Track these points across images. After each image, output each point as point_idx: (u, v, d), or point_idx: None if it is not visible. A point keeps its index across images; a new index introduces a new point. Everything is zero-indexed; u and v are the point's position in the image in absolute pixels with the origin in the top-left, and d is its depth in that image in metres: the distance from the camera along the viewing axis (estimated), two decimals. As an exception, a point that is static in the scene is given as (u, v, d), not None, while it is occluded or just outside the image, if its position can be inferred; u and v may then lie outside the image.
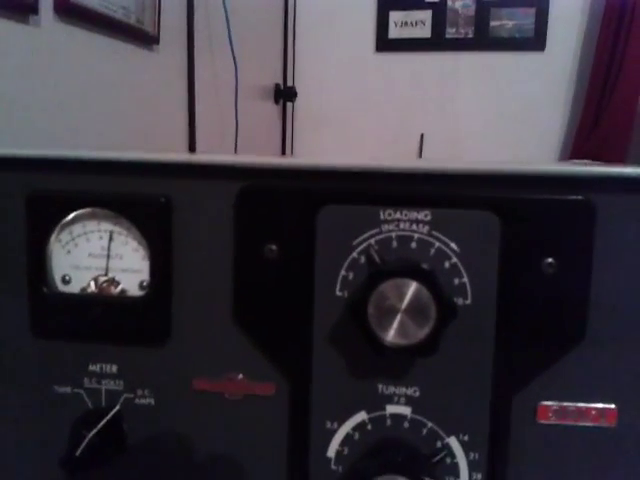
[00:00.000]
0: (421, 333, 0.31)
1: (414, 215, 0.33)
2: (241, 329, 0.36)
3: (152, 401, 0.38)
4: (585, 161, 2.24)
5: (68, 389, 0.39)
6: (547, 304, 0.32)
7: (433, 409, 0.34)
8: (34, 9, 1.03)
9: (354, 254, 0.34)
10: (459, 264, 0.33)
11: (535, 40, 2.57)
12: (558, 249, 0.32)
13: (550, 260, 0.32)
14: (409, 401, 0.34)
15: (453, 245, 0.33)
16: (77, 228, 0.37)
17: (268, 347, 0.35)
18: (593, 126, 2.49)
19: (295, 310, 0.35)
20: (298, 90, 2.70)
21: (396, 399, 0.34)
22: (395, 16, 2.69)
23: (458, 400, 0.34)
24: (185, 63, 1.63)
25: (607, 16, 2.41)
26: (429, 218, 0.33)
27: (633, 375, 0.33)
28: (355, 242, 0.34)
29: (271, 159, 0.34)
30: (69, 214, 0.37)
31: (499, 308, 0.33)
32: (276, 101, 2.55)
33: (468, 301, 0.33)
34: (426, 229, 0.33)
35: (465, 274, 0.33)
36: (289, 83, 2.66)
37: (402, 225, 0.33)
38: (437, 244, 0.33)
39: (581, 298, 0.32)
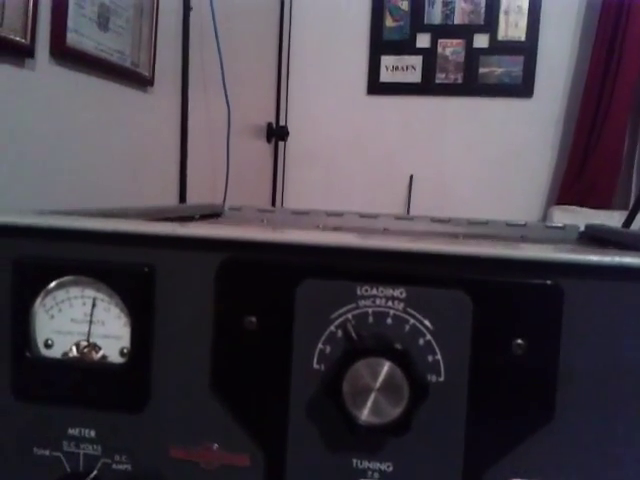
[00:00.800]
0: (394, 412, 0.32)
1: (390, 292, 0.34)
2: (218, 399, 0.36)
3: (129, 467, 0.38)
4: (572, 207, 2.26)
5: (47, 452, 0.39)
6: (517, 383, 0.33)
7: (406, 484, 0.35)
8: (30, 53, 1.05)
9: (331, 328, 0.35)
10: (433, 341, 0.34)
11: (523, 87, 2.64)
12: (527, 330, 0.33)
13: (519, 341, 0.33)
14: (382, 476, 0.35)
15: (427, 322, 0.34)
16: (61, 294, 0.38)
17: (245, 418, 0.36)
18: (580, 172, 2.54)
19: (272, 382, 0.35)
20: (290, 130, 2.74)
21: (370, 474, 0.35)
22: (386, 60, 2.75)
23: (430, 476, 0.34)
24: (179, 104, 1.65)
25: (594, 65, 2.48)
26: (404, 295, 0.34)
27: (601, 453, 0.34)
28: (332, 316, 0.35)
29: (252, 233, 0.35)
30: (53, 281, 0.37)
31: (471, 386, 0.34)
32: (268, 140, 2.59)
33: (441, 378, 0.34)
34: (401, 306, 0.34)
35: (439, 351, 0.34)
36: (281, 122, 2.70)
37: (378, 301, 0.34)
38: (412, 321, 0.34)
39: (550, 378, 0.33)
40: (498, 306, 0.33)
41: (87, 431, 0.38)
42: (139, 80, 1.43)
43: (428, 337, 0.34)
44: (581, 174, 2.52)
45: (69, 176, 1.19)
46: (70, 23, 1.14)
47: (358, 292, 0.35)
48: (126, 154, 1.39)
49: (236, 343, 0.36)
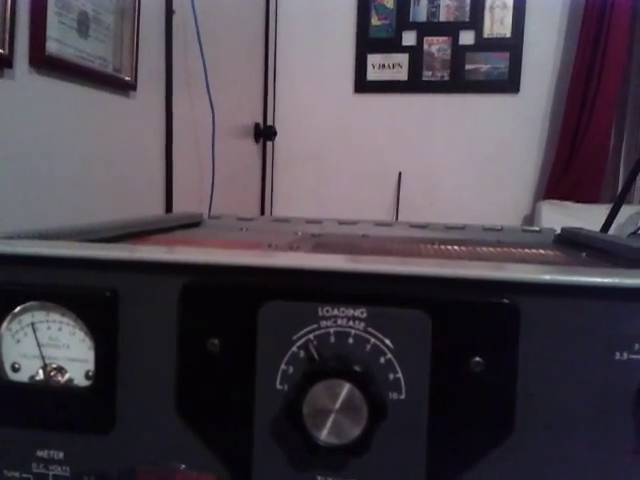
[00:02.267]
0: (354, 432, 0.32)
1: (350, 312, 0.35)
2: (184, 420, 0.36)
3: (98, 488, 0.38)
4: (560, 202, 2.28)
5: (17, 474, 0.39)
6: (476, 399, 0.34)
7: (370, 501, 0.35)
8: (8, 62, 1.05)
9: (294, 348, 0.35)
10: (393, 360, 0.34)
11: (509, 83, 2.65)
12: (485, 348, 0.33)
13: (478, 359, 0.33)
14: (346, 493, 0.35)
15: (388, 341, 0.34)
16: (26, 318, 0.38)
17: (210, 438, 0.36)
18: (567, 167, 2.55)
19: (236, 403, 0.36)
20: (278, 129, 2.73)
21: (334, 491, 0.35)
22: (373, 59, 2.75)
23: (394, 492, 0.35)
24: (163, 108, 1.65)
25: (579, 60, 2.49)
26: (365, 315, 0.35)
27: (561, 466, 0.34)
28: (295, 337, 0.35)
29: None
30: (18, 305, 0.37)
31: (431, 403, 0.34)
32: (256, 140, 2.59)
33: (402, 396, 0.34)
34: (362, 325, 0.35)
35: (399, 370, 0.34)
36: (269, 122, 2.70)
37: (339, 321, 0.35)
38: (372, 340, 0.35)
39: (508, 394, 0.34)
40: (456, 325, 0.34)
41: (56, 453, 0.39)
42: (121, 85, 1.43)
43: (389, 356, 0.34)
44: (568, 169, 2.54)
45: (51, 186, 1.19)
46: (49, 32, 1.14)
47: (319, 313, 0.35)
48: (110, 161, 1.39)
49: (200, 365, 0.36)
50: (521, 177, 2.68)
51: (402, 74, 2.73)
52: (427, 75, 2.71)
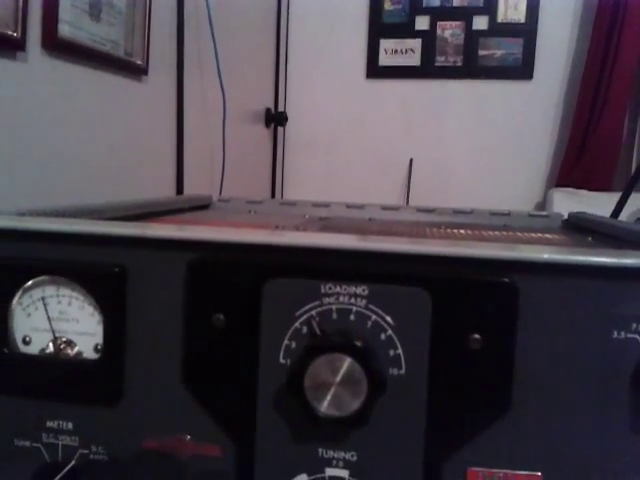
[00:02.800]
0: (353, 405, 0.33)
1: (352, 289, 0.35)
2: (190, 393, 0.37)
3: (106, 457, 0.39)
4: (572, 189, 2.26)
5: (27, 443, 0.41)
6: (474, 376, 0.34)
7: (369, 473, 0.36)
8: (21, 45, 1.06)
9: (297, 324, 0.36)
10: (394, 336, 0.35)
11: (523, 69, 2.62)
12: (484, 326, 0.34)
13: (476, 336, 0.34)
14: (347, 465, 0.36)
15: (388, 318, 0.35)
16: (37, 292, 0.39)
17: (215, 411, 0.37)
18: (580, 154, 2.53)
19: (241, 376, 0.37)
20: (289, 115, 2.73)
21: (335, 463, 0.36)
22: (385, 44, 2.73)
23: (392, 464, 0.36)
24: (174, 92, 1.66)
25: (594, 46, 2.46)
26: (366, 293, 0.35)
27: (557, 444, 0.35)
28: (298, 313, 0.36)
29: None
30: (30, 280, 0.39)
31: (430, 379, 0.35)
32: (267, 125, 2.59)
33: (402, 371, 0.35)
34: (364, 303, 0.35)
35: (399, 346, 0.35)
36: (280, 108, 2.70)
37: (341, 298, 0.36)
38: (374, 317, 0.35)
39: (506, 372, 0.34)
40: (456, 303, 0.34)
41: (65, 423, 0.40)
42: (133, 69, 1.43)
43: (389, 332, 0.35)
44: (581, 156, 2.52)
45: (65, 168, 1.20)
46: (61, 15, 1.15)
47: (322, 290, 0.36)
48: (121, 144, 1.40)
49: (205, 340, 0.37)
50: (533, 164, 2.67)
51: (415, 59, 2.72)
52: (440, 60, 2.69)
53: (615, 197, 2.30)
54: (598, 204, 2.21)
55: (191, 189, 1.70)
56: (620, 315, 0.33)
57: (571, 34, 2.58)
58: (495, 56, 2.64)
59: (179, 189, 1.66)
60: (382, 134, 2.77)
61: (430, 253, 0.35)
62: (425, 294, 0.35)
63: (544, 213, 0.76)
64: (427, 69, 2.70)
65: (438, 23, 2.67)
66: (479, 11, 2.63)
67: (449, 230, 0.66)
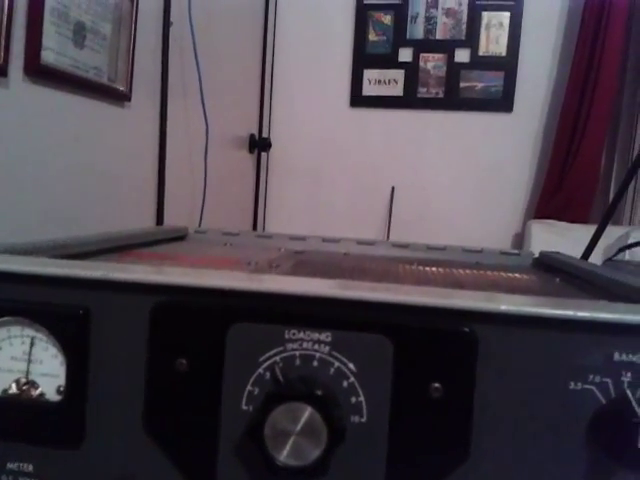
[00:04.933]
0: (313, 455, 0.33)
1: (316, 336, 0.36)
2: (151, 438, 0.37)
3: (66, 501, 0.39)
4: (550, 221, 2.29)
5: (-14, 485, 0.40)
6: (434, 425, 0.35)
7: (330, 521, 0.36)
8: (3, 71, 1.06)
9: (260, 370, 0.36)
10: (356, 384, 0.35)
11: (503, 102, 2.68)
12: (444, 375, 0.34)
13: (437, 385, 0.34)
14: (307, 513, 0.36)
15: (351, 365, 0.35)
16: (2, 332, 0.39)
17: (176, 457, 0.37)
18: (558, 186, 2.58)
19: (203, 423, 0.37)
20: (274, 141, 2.76)
21: (295, 511, 0.36)
22: (369, 74, 2.78)
23: (353, 513, 0.36)
24: (157, 118, 1.66)
25: (572, 81, 2.52)
26: (330, 339, 0.36)
27: (517, 492, 0.35)
28: (261, 359, 0.36)
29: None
30: (-7, 320, 0.38)
31: (391, 427, 0.35)
32: (251, 151, 2.60)
33: (363, 419, 0.35)
34: (327, 349, 0.36)
35: (361, 393, 0.35)
36: (265, 134, 2.72)
37: (305, 344, 0.36)
38: (337, 364, 0.36)
39: (465, 420, 0.34)
40: (417, 351, 0.35)
41: (25, 465, 0.39)
42: (116, 95, 1.44)
43: (352, 379, 0.35)
44: (559, 188, 2.56)
45: (43, 196, 1.19)
46: (45, 42, 1.15)
47: (286, 336, 0.36)
48: (102, 170, 1.40)
49: (168, 384, 0.37)
50: (513, 195, 2.71)
51: (397, 90, 2.76)
52: (422, 91, 2.74)
53: (593, 229, 2.34)
54: (575, 236, 2.24)
55: (172, 216, 1.70)
56: (577, 366, 0.34)
57: (551, 68, 2.64)
58: (476, 88, 2.69)
59: (159, 217, 1.66)
60: (365, 162, 2.80)
61: (392, 301, 0.35)
62: (387, 342, 0.35)
63: (515, 251, 0.78)
64: (409, 100, 2.75)
65: (421, 55, 2.73)
66: (461, 44, 2.69)
67: (421, 267, 0.67)
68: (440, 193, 2.74)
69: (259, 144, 2.63)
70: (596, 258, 1.23)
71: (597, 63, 2.47)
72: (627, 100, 2.53)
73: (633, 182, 2.49)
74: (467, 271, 0.65)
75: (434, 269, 0.66)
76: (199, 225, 1.85)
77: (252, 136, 2.60)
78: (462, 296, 0.36)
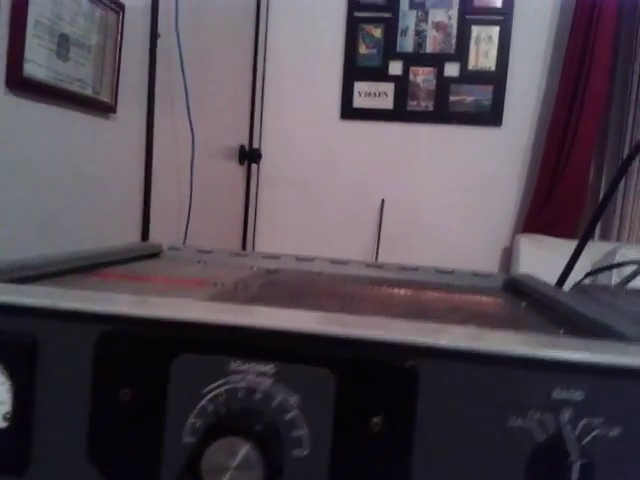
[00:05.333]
0: (249, 490, 0.33)
1: (260, 368, 0.36)
2: (95, 467, 0.37)
3: (10, 530, 0.39)
4: (538, 235, 2.29)
5: None
6: (375, 458, 0.35)
7: None
8: (-16, 85, 1.06)
9: (203, 402, 0.36)
10: (299, 416, 0.35)
11: (492, 115, 2.69)
12: (385, 409, 0.34)
13: (377, 419, 0.34)
14: None
15: (294, 398, 0.35)
16: (-52, 359, 0.39)
17: (119, 487, 0.37)
18: (546, 201, 2.59)
19: (146, 453, 0.36)
20: (264, 152, 2.76)
21: None
22: (359, 86, 2.79)
23: None
24: (144, 129, 1.67)
25: (561, 95, 2.54)
26: (273, 371, 0.36)
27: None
28: (204, 390, 0.36)
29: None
30: (-61, 347, 0.38)
31: (332, 461, 0.35)
32: (241, 162, 2.61)
33: (305, 452, 0.35)
34: (270, 382, 0.36)
35: (304, 426, 0.35)
36: (255, 145, 2.72)
37: (249, 377, 0.36)
38: (280, 396, 0.36)
39: (405, 454, 0.35)
40: (359, 384, 0.35)
41: (-30, 493, 0.39)
42: (100, 107, 1.44)
43: (294, 412, 0.35)
44: (547, 203, 2.57)
45: (26, 210, 1.19)
46: (27, 54, 1.16)
47: (230, 367, 0.36)
48: (87, 184, 1.40)
49: (112, 414, 0.37)
50: (502, 209, 2.72)
51: (387, 103, 2.78)
52: (412, 105, 2.76)
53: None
54: (563, 251, 2.25)
55: (159, 228, 1.70)
56: (517, 403, 0.34)
57: (540, 82, 2.66)
58: (465, 102, 2.71)
59: (145, 229, 1.66)
60: (355, 174, 2.81)
61: (334, 334, 0.35)
62: (330, 375, 0.35)
63: (486, 273, 0.78)
64: (399, 113, 2.76)
65: (411, 68, 2.74)
66: (451, 58, 2.71)
67: (390, 289, 0.67)
68: (430, 206, 2.75)
69: (249, 155, 2.64)
70: (581, 274, 1.23)
71: (585, 78, 2.48)
72: (615, 115, 2.55)
73: (621, 197, 2.51)
74: (435, 293, 0.66)
75: (402, 291, 0.66)
76: (184, 240, 1.85)
77: (242, 147, 2.60)
78: (405, 329, 0.36)
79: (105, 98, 1.45)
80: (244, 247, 2.70)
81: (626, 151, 2.50)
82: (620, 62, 2.53)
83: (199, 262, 0.81)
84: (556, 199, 2.55)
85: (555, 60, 2.62)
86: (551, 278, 0.75)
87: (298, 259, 0.82)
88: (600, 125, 2.53)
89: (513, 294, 0.69)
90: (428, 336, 0.35)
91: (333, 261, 0.82)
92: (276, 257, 0.82)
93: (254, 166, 2.73)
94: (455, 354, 0.34)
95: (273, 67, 2.80)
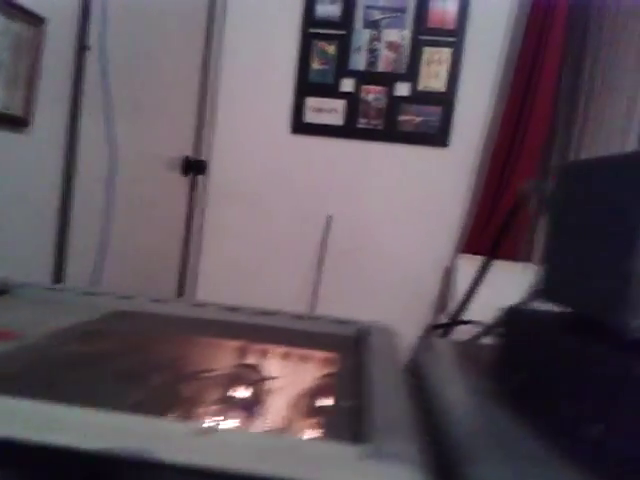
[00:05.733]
0: None
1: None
2: None
3: None
4: (476, 257, 2.30)
5: None
6: None
7: None
8: None
9: None
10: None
11: (440, 136, 2.70)
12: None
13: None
14: None
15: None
16: None
17: None
18: (487, 222, 2.60)
19: None
20: (213, 164, 2.74)
21: None
22: (311, 102, 2.78)
23: None
24: (64, 142, 1.63)
25: (506, 119, 2.56)
26: None
27: None
28: None
29: None
30: None
31: None
32: (184, 173, 2.58)
33: None
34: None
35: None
36: (204, 157, 2.70)
37: None
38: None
39: None
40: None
41: None
42: (10, 122, 1.41)
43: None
44: (488, 224, 2.58)
45: None
46: None
47: None
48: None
49: None
50: (446, 228, 2.72)
51: (338, 119, 2.77)
52: (362, 122, 2.75)
53: (518, 266, 2.36)
54: (501, 274, 2.27)
55: (77, 254, 1.66)
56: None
57: (488, 105, 2.68)
58: (414, 122, 2.71)
59: (60, 251, 1.62)
60: (304, 189, 2.80)
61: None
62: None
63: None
64: (350, 129, 2.76)
65: (362, 86, 2.74)
66: (402, 78, 2.71)
67: (219, 340, 0.65)
68: (377, 223, 2.75)
69: (194, 166, 2.61)
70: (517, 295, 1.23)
71: (531, 100, 2.50)
72: (560, 137, 2.57)
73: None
74: (266, 347, 0.64)
75: (234, 342, 0.64)
76: (97, 268, 1.82)
77: (187, 158, 2.57)
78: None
79: (16, 112, 1.42)
80: (185, 263, 2.67)
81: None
82: (566, 86, 2.55)
83: (47, 302, 0.78)
84: (497, 220, 2.56)
85: (504, 83, 2.63)
86: (488, 299, 0.73)
87: (152, 300, 0.79)
88: (543, 147, 2.55)
89: (356, 347, 0.68)
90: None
91: (193, 304, 0.80)
92: (129, 297, 0.79)
93: (200, 178, 2.70)
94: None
95: (226, 78, 2.79)
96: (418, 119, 2.70)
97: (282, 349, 0.64)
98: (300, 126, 2.80)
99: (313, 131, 2.79)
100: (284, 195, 2.81)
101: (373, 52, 2.73)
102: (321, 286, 2.77)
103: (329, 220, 2.79)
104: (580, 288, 0.44)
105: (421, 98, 2.70)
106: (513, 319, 0.52)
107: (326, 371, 0.58)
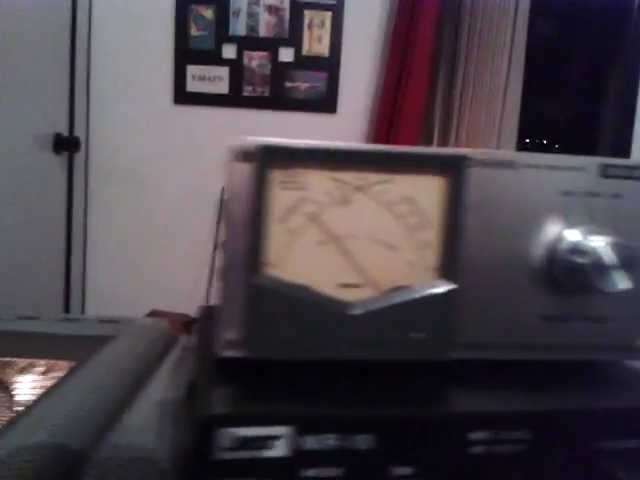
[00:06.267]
0: None
1: None
2: None
3: None
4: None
5: None
6: None
7: None
8: None
9: None
10: None
11: (327, 102, 2.67)
12: None
13: None
14: None
15: None
16: None
17: None
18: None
19: None
20: (91, 141, 2.58)
21: None
22: (193, 70, 2.66)
23: None
24: None
25: (387, 84, 2.56)
26: None
27: None
28: None
29: None
30: None
31: None
32: (57, 152, 2.39)
33: None
34: None
35: None
36: (79, 133, 2.52)
37: None
38: None
39: None
40: None
41: None
42: None
43: None
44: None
45: None
46: None
47: None
48: None
49: None
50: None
51: (223, 87, 2.67)
52: (248, 90, 2.67)
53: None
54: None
55: None
56: None
57: (372, 69, 2.67)
58: (301, 89, 2.66)
59: None
60: (192, 162, 2.69)
61: None
62: None
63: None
64: (236, 98, 2.67)
65: (245, 52, 2.64)
66: (285, 43, 2.64)
67: None
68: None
69: (68, 144, 2.43)
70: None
71: (409, 63, 2.51)
72: (440, 99, 2.60)
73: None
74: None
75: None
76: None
77: (58, 135, 2.39)
78: None
79: None
80: (70, 247, 2.52)
81: (453, 135, 2.57)
82: (444, 47, 2.58)
83: None
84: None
85: (385, 46, 2.62)
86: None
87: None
88: (424, 109, 2.57)
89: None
90: None
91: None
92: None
93: (79, 158, 2.53)
94: None
95: (97, 48, 2.60)
96: (305, 85, 2.65)
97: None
98: (183, 96, 2.68)
99: (197, 101, 2.68)
100: (172, 169, 2.70)
101: (253, 16, 2.64)
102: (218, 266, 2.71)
103: (223, 193, 2.71)
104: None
105: (306, 64, 2.64)
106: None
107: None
